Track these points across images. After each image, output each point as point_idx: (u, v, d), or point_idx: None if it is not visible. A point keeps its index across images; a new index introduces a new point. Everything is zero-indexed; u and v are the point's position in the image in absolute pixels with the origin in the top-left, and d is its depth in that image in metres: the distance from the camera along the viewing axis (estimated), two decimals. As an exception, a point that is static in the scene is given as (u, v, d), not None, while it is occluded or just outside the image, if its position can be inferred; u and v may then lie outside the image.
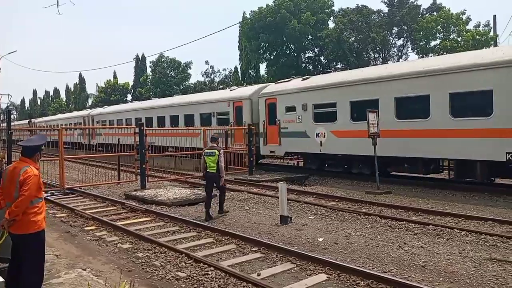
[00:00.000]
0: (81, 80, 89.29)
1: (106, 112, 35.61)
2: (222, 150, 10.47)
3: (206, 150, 10.45)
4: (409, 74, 13.63)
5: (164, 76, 58.16)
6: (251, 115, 19.80)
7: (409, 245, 7.56)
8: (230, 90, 22.52)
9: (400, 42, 39.87)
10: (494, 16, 37.47)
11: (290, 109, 17.91)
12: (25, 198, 4.52)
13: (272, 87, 19.69)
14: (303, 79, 18.45)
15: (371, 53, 40.51)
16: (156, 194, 13.04)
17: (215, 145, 10.43)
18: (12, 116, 18.34)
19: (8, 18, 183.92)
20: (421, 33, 35.32)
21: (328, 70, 40.74)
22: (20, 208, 4.52)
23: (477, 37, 31.91)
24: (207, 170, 10.23)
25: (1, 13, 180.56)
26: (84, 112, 41.69)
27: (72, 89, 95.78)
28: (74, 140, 28.89)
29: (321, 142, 16.38)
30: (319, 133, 16.47)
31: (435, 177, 15.17)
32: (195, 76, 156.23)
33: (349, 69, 25.88)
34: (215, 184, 10.42)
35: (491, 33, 31.82)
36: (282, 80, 20.59)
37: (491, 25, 32.07)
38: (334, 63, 41.80)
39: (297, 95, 17.70)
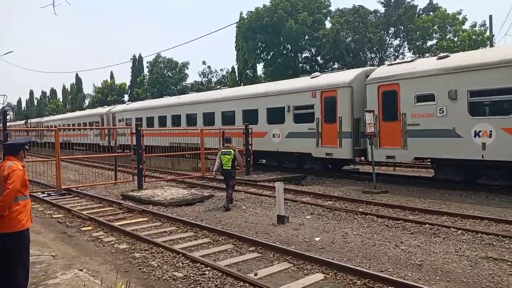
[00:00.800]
0: (78, 80, 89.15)
1: (132, 109, 30.24)
2: (237, 149, 11.87)
3: (222, 150, 11.65)
4: None
5: (161, 76, 58.09)
6: (352, 107, 15.13)
7: (405, 244, 7.58)
8: (312, 77, 17.64)
9: (396, 42, 40.09)
10: (490, 16, 37.53)
11: (424, 98, 13.17)
12: (10, 192, 4.51)
13: (387, 69, 14.61)
14: (439, 58, 13.60)
15: (367, 53, 40.65)
16: (153, 195, 13.03)
17: (230, 145, 11.82)
18: (8, 117, 18.28)
19: (4, 18, 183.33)
20: (418, 33, 35.45)
21: (325, 70, 40.82)
22: (6, 202, 4.51)
23: (474, 37, 32.05)
24: (223, 167, 11.48)
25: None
26: (101, 110, 35.94)
27: (69, 90, 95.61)
28: (90, 141, 26.60)
29: (483, 144, 11.82)
30: (479, 132, 11.95)
31: (431, 177, 15.21)
32: (192, 76, 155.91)
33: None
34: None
35: (487, 33, 31.96)
36: (398, 61, 16.16)
37: (487, 25, 32.23)
38: (331, 63, 41.89)
39: (437, 79, 12.85)
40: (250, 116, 19.07)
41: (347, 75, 15.96)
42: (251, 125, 17.97)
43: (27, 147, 5.14)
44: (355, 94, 15.19)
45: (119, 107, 33.36)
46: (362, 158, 16.76)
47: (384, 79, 14.16)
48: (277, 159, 19.29)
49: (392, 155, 14.04)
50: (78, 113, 44.47)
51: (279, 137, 17.89)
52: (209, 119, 21.91)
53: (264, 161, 20.68)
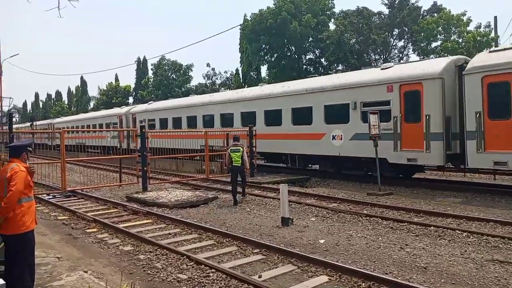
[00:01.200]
0: (83, 82, 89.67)
1: (155, 109, 27.82)
2: (244, 147, 12.93)
3: (231, 148, 12.61)
4: None
5: (165, 78, 58.29)
6: (443, 104, 12.69)
7: (410, 247, 7.55)
8: (383, 69, 15.03)
9: (401, 43, 39.99)
10: (495, 17, 37.71)
11: None
12: (14, 193, 4.52)
13: (494, 57, 12.00)
14: None
15: (372, 54, 40.59)
16: (157, 196, 13.06)
17: (238, 143, 12.74)
18: (14, 119, 18.40)
19: (9, 21, 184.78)
20: (422, 34, 35.35)
21: (329, 72, 40.81)
22: (9, 204, 4.51)
23: (478, 38, 31.90)
24: (233, 164, 12.37)
25: (3, 16, 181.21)
26: (120, 110, 33.11)
27: (74, 92, 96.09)
28: (106, 144, 25.19)
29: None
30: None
31: (437, 179, 15.15)
32: (197, 78, 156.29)
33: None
34: (239, 174, 12.57)
35: (492, 34, 31.82)
36: (507, 46, 12.98)
37: (492, 26, 32.10)
38: (335, 64, 41.85)
39: None
40: (302, 115, 16.90)
41: (435, 64, 13.36)
42: (303, 125, 16.60)
43: (30, 149, 5.17)
44: (447, 87, 12.78)
45: (140, 107, 31.08)
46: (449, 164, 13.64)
47: (492, 68, 11.59)
48: (335, 164, 16.63)
49: (504, 161, 11.35)
50: (93, 114, 42.01)
51: (341, 139, 15.47)
52: (249, 118, 19.38)
53: (316, 166, 18.26)
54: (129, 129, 26.92)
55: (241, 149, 12.46)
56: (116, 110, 34.03)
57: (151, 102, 32.75)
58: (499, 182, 14.69)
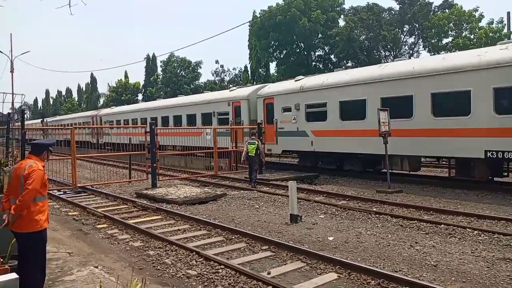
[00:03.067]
0: (93, 80, 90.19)
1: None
2: (259, 141, 15.46)
3: (249, 141, 15.13)
4: None
5: (174, 75, 58.39)
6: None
7: (420, 245, 7.50)
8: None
9: (411, 40, 39.62)
10: (508, 13, 36.71)
11: None
12: (30, 192, 4.51)
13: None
14: None
15: (382, 51, 40.25)
16: (167, 193, 13.12)
17: (254, 137, 15.42)
18: (25, 116, 18.59)
19: (21, 19, 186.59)
20: (433, 30, 34.93)
21: (339, 68, 40.55)
22: (25, 202, 4.50)
23: (490, 34, 31.42)
24: (249, 154, 14.84)
25: (14, 14, 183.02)
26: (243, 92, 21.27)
27: (84, 89, 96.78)
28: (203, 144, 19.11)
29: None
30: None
31: (447, 176, 14.99)
32: (205, 75, 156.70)
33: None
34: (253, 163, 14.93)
35: (505, 30, 31.32)
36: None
37: (505, 21, 31.58)
38: (345, 61, 41.61)
39: None
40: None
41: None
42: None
43: (51, 149, 5.14)
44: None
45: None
46: None
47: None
48: None
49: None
50: (169, 101, 29.90)
51: None
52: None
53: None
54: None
55: (257, 143, 15.00)
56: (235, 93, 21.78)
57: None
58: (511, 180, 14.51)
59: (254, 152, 14.75)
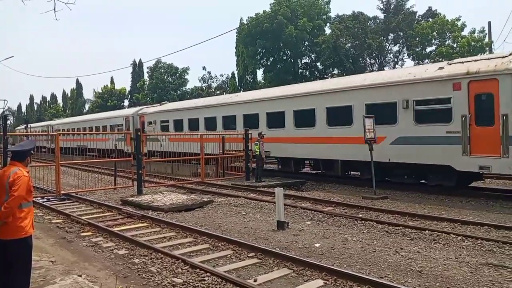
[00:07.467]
0: (78, 85, 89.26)
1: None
2: (262, 141, 16.78)
3: (255, 142, 16.79)
4: None
5: (161, 81, 58.17)
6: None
7: (405, 250, 7.57)
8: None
9: (396, 48, 40.23)
10: (489, 23, 37.94)
11: None
12: (16, 198, 4.47)
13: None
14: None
15: (367, 59, 40.78)
16: (152, 200, 13.00)
17: (260, 138, 16.74)
18: (8, 122, 18.29)
19: (4, 23, 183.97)
20: (417, 39, 35.60)
21: (325, 76, 40.93)
22: (10, 208, 4.46)
23: (472, 43, 32.15)
24: (255, 153, 16.84)
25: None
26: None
27: (69, 95, 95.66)
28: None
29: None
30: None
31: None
32: (192, 81, 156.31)
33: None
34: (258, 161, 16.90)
35: (486, 39, 32.08)
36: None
37: (486, 31, 32.36)
38: (331, 69, 42.04)
39: None
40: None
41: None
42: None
43: (32, 152, 5.09)
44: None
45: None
46: None
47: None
48: None
49: None
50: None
51: None
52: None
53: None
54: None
55: (258, 144, 16.71)
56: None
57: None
58: (493, 186, 14.77)
59: (258, 152, 16.73)
